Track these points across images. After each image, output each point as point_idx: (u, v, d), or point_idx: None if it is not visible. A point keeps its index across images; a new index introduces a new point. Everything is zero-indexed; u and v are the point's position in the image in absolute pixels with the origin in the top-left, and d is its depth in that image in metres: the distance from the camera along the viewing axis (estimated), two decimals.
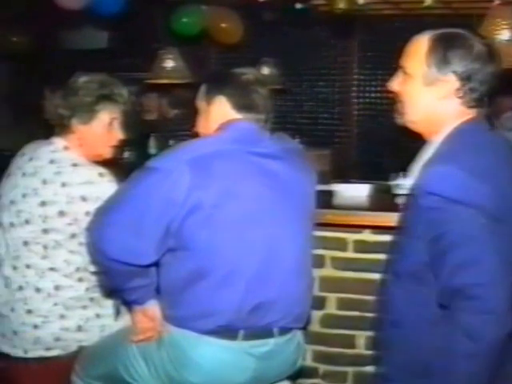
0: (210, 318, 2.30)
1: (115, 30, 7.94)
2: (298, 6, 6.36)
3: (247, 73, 2.49)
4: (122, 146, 2.86)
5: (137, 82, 5.76)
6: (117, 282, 2.44)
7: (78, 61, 6.40)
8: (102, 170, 2.66)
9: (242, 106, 2.43)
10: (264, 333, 2.38)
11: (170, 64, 5.93)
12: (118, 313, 2.76)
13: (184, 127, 5.86)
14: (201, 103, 2.52)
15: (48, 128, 2.77)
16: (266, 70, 6.70)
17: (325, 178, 3.47)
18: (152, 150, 5.80)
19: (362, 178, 4.58)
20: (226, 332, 2.32)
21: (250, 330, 2.35)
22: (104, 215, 2.32)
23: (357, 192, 3.65)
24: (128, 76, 4.70)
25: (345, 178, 4.39)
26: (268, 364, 2.42)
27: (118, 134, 2.79)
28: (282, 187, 2.39)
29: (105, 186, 2.56)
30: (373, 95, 8.02)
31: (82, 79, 2.72)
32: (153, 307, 2.44)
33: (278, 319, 2.39)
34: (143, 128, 5.96)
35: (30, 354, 2.71)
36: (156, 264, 2.37)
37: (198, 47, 7.32)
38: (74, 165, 2.65)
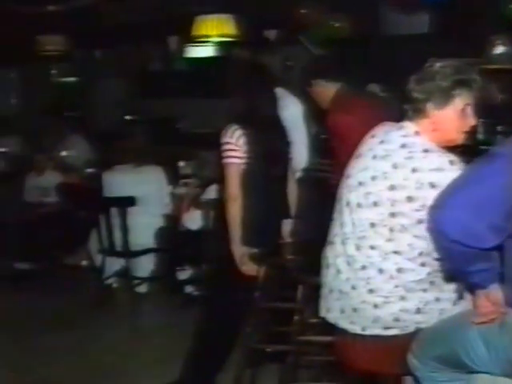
0: None
1: (436, 14, 7.87)
2: None
3: None
4: (472, 132, 2.84)
5: None
6: (458, 265, 2.47)
7: (399, 46, 6.47)
8: (452, 157, 2.68)
9: None
10: None
11: (500, 49, 5.82)
12: (460, 297, 2.76)
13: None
14: None
15: None
16: None
17: None
18: (480, 136, 5.76)
19: None
20: None
21: None
22: (448, 197, 2.36)
23: None
24: None
25: None
26: None
27: (471, 120, 2.78)
28: None
29: (454, 173, 2.56)
30: None
31: (438, 64, 2.75)
32: (495, 291, 2.44)
33: None
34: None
35: (368, 332, 2.81)
36: (498, 248, 2.37)
37: None
38: (425, 151, 2.69)
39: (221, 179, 3.96)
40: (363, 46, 7.82)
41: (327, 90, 4.50)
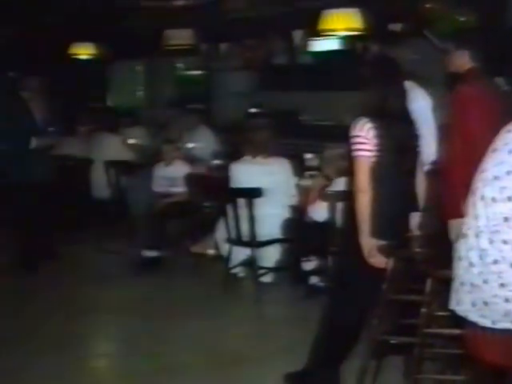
0: None
1: None
2: None
3: None
4: None
5: None
6: None
7: None
8: None
9: None
10: None
11: None
12: None
13: None
14: None
15: None
16: None
17: None
18: None
19: None
20: None
21: None
22: None
23: None
24: None
25: None
26: None
27: None
28: None
29: None
30: None
31: None
32: None
33: None
34: None
35: (498, 326, 2.78)
36: None
37: None
38: None
39: (350, 172, 4.00)
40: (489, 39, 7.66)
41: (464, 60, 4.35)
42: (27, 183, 6.77)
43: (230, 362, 4.83)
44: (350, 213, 3.95)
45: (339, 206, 5.06)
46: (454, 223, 3.79)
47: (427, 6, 7.48)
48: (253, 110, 10.81)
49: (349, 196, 4.01)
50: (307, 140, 8.99)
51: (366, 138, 3.83)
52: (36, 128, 6.82)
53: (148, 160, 8.11)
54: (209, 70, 12.00)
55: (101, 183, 8.27)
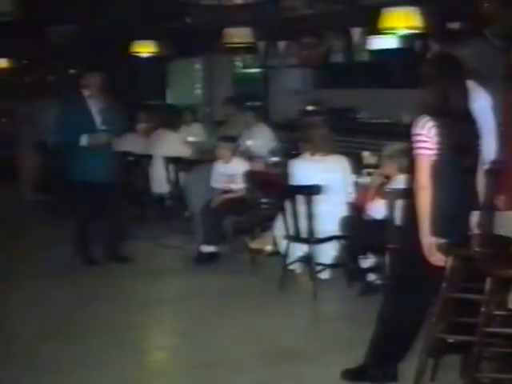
0: None
1: None
2: None
3: None
4: None
5: None
6: None
7: None
8: None
9: None
10: None
11: None
12: None
13: None
14: None
15: None
16: None
17: None
18: None
19: None
20: None
21: None
22: None
23: None
24: None
25: None
26: None
27: None
28: None
29: None
30: None
31: None
32: None
33: None
34: None
35: None
36: None
37: None
38: None
39: (411, 170, 4.02)
40: None
41: None
42: (102, 182, 6.92)
43: (284, 357, 4.88)
44: (410, 211, 3.98)
45: (398, 203, 5.07)
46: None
47: (486, 5, 7.42)
48: (310, 108, 10.85)
49: (409, 194, 4.03)
50: (364, 138, 9.01)
51: (427, 136, 3.85)
52: (93, 127, 6.92)
53: (206, 157, 8.20)
54: (266, 68, 12.08)
55: (160, 179, 8.42)
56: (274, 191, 6.69)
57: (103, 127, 6.94)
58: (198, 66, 13.66)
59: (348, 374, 4.39)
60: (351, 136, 9.02)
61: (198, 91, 13.73)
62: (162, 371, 4.93)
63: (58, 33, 12.54)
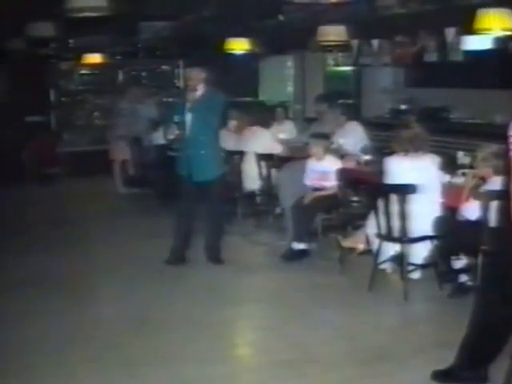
0: None
1: None
2: None
3: None
4: None
5: None
6: None
7: None
8: None
9: None
10: None
11: None
12: None
13: None
14: None
15: None
16: None
17: None
18: None
19: None
20: None
21: None
22: None
23: None
24: None
25: None
26: None
27: None
28: None
29: None
30: None
31: None
32: None
33: None
34: None
35: None
36: None
37: None
38: None
39: (506, 171, 3.99)
40: None
41: None
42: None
43: (373, 356, 4.90)
44: (506, 212, 3.94)
45: (493, 205, 5.02)
46: None
47: None
48: (403, 107, 10.79)
49: (505, 195, 4.00)
50: (457, 138, 8.92)
51: None
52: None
53: (298, 154, 8.26)
54: (358, 66, 12.05)
55: (252, 176, 8.53)
56: (365, 189, 6.69)
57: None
58: (289, 63, 13.74)
59: (438, 375, 4.39)
60: (444, 136, 8.93)
61: (289, 88, 13.80)
62: (251, 367, 5.02)
63: (150, 29, 12.81)
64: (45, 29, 9.95)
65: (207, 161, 6.97)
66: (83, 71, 13.78)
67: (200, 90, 6.95)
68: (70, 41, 13.21)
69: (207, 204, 7.13)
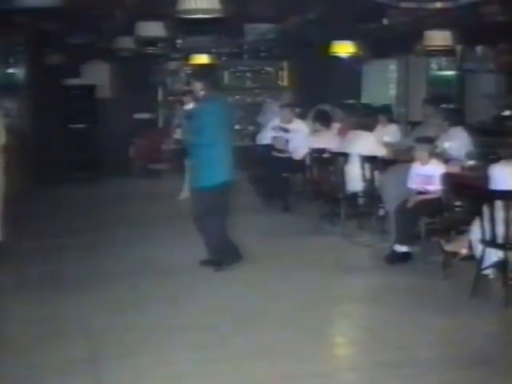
0: None
1: None
2: None
3: None
4: None
5: None
6: None
7: None
8: None
9: None
10: None
11: None
12: None
13: None
14: None
15: None
16: None
17: None
18: None
19: None
20: None
21: None
22: None
23: None
24: None
25: None
26: None
27: None
28: None
29: None
30: None
31: None
32: None
33: None
34: None
35: None
36: None
37: None
38: None
39: None
40: None
41: None
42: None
43: (473, 361, 4.91)
44: None
45: None
46: None
47: None
48: (507, 113, 10.68)
49: None
50: None
51: None
52: None
53: (402, 157, 8.30)
54: (462, 71, 11.98)
55: (355, 177, 8.61)
56: (469, 195, 6.69)
57: None
58: (392, 66, 13.75)
59: None
60: None
61: (391, 92, 13.82)
62: (351, 366, 5.12)
63: (255, 31, 13.02)
64: (155, 29, 10.25)
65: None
66: (189, 71, 14.13)
67: None
68: (178, 41, 13.57)
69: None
